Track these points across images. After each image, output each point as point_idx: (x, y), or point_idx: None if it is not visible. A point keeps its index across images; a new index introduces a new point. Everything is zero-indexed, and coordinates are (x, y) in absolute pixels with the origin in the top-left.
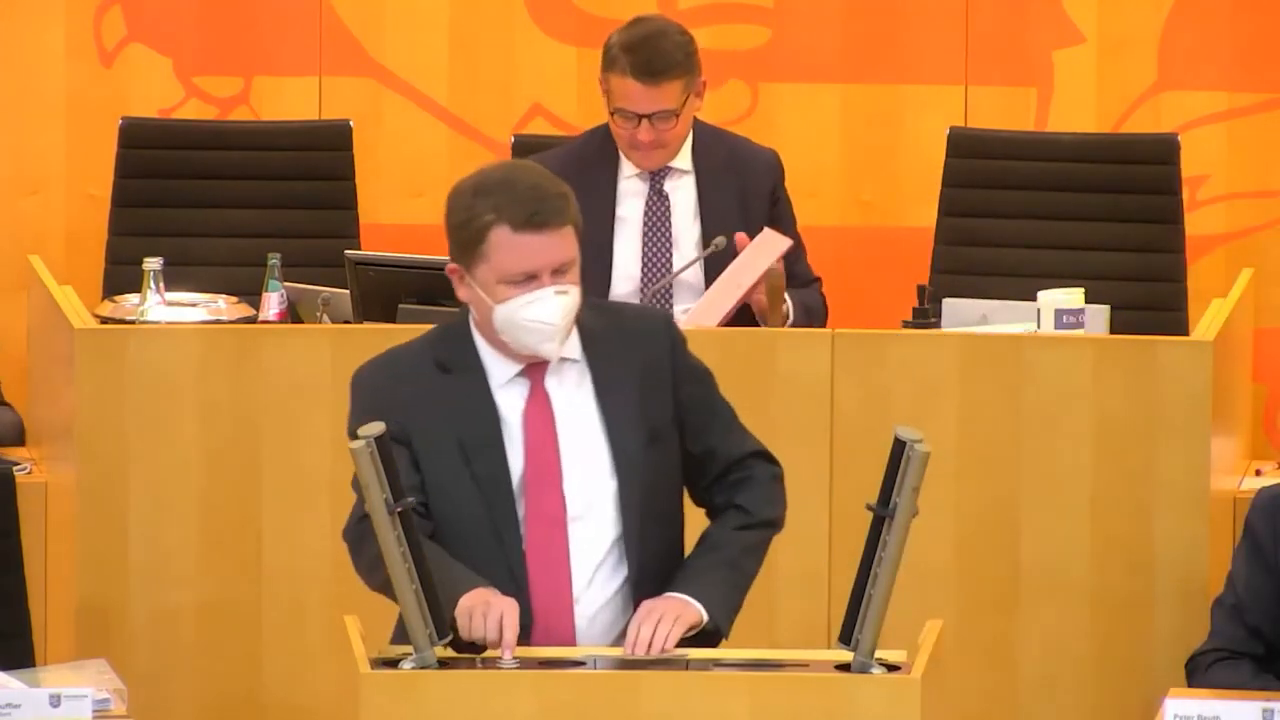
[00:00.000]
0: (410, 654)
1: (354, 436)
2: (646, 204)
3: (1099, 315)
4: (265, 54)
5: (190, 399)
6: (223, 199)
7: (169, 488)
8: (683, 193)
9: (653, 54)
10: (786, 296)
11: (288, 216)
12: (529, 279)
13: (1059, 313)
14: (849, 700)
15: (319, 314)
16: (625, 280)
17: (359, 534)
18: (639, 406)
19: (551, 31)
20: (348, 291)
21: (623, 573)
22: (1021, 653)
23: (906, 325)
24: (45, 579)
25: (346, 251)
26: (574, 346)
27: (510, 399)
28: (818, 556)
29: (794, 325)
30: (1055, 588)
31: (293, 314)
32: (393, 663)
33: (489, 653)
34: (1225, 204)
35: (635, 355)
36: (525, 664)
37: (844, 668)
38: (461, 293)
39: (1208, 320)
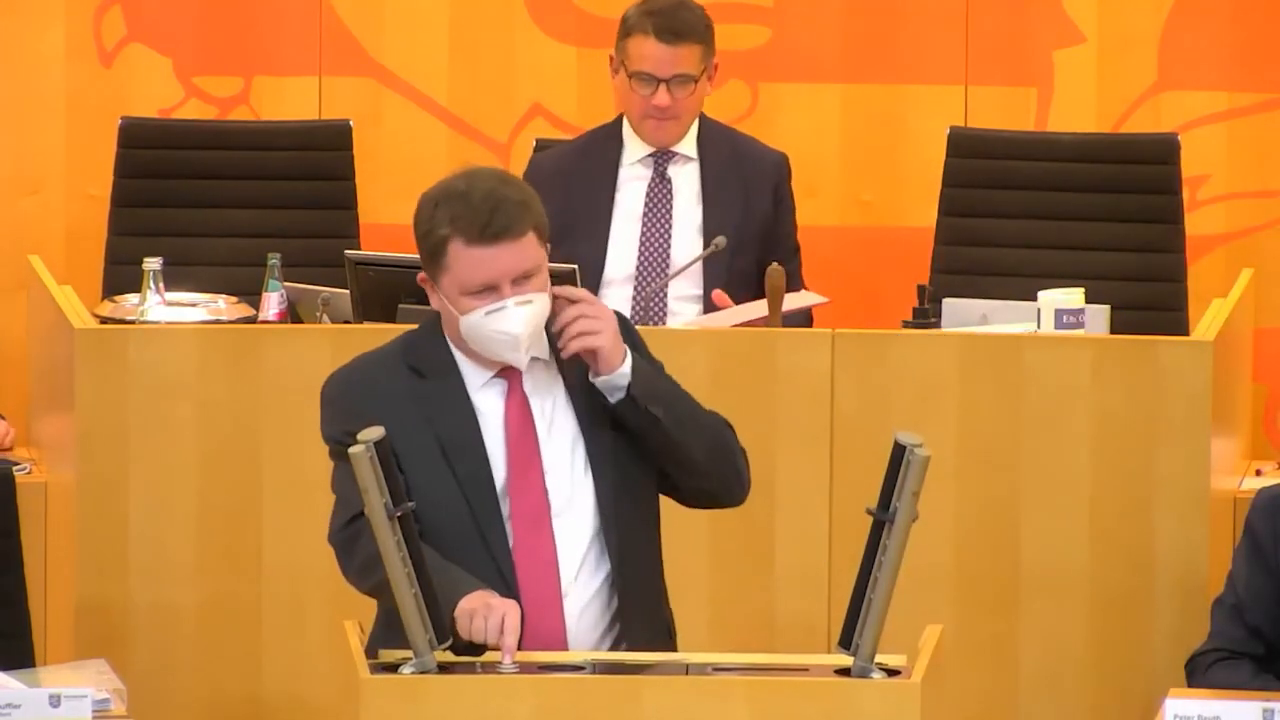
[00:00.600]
0: (409, 659)
1: (336, 443)
2: (649, 187)
3: (1099, 315)
4: (265, 54)
5: (190, 399)
6: (223, 199)
7: (169, 488)
8: (686, 178)
9: (674, 17)
10: None
11: (288, 216)
12: (489, 290)
13: (1059, 313)
14: (849, 705)
15: (319, 314)
16: (621, 264)
17: (346, 537)
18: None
19: (551, 31)
20: (348, 291)
21: (605, 567)
22: (1021, 653)
23: (906, 325)
24: (45, 579)
25: (346, 251)
26: (544, 347)
27: (488, 400)
28: (817, 556)
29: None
30: (1055, 588)
31: (293, 314)
32: (392, 667)
33: (488, 657)
34: (1225, 204)
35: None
36: (525, 669)
37: (844, 672)
38: (433, 301)
39: (1208, 320)
